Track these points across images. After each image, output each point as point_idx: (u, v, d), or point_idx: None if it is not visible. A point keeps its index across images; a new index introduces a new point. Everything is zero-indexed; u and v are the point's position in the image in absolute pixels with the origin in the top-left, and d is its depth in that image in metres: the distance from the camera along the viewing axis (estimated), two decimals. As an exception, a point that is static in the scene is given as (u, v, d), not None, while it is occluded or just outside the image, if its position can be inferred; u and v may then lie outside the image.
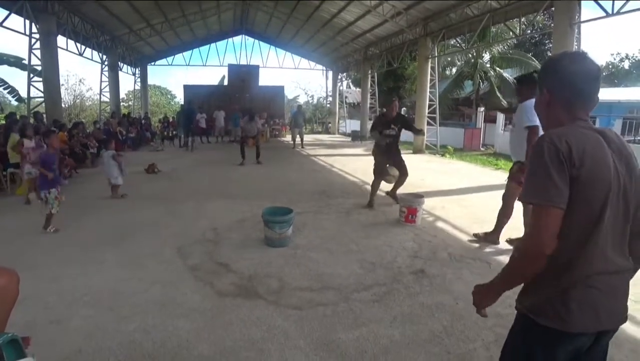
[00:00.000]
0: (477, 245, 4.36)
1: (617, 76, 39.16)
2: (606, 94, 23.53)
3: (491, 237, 4.35)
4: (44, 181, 4.79)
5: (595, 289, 1.18)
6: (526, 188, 1.21)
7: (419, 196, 5.26)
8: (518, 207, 3.96)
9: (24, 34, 11.16)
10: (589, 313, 1.18)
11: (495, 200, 5.07)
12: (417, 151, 14.08)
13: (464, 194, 6.98)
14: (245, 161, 10.24)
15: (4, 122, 8.48)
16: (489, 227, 4.42)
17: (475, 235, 4.53)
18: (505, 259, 3.93)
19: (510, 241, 4.25)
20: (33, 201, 5.94)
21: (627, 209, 1.22)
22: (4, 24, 10.29)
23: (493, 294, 1.35)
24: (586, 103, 1.26)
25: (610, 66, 41.17)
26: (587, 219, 1.16)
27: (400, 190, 5.97)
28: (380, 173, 5.87)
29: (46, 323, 2.68)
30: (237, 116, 16.85)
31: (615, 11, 7.59)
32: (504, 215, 4.23)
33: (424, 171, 9.58)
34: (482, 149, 16.08)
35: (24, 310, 2.64)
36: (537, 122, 2.93)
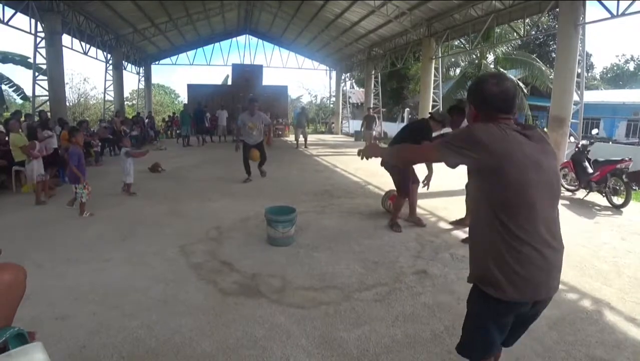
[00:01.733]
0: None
1: (621, 77, 38.95)
2: (611, 96, 23.48)
3: (465, 222, 4.76)
4: (72, 174, 5.42)
5: (531, 264, 1.45)
6: (445, 138, 1.60)
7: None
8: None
9: (30, 32, 11.26)
10: (525, 284, 1.46)
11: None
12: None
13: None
14: (251, 177, 8.07)
15: (10, 119, 8.50)
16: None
17: (451, 222, 5.10)
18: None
19: (452, 223, 5.00)
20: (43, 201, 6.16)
21: (552, 194, 1.52)
22: (10, 23, 10.39)
23: (377, 153, 1.94)
24: (505, 115, 1.56)
25: (615, 68, 40.98)
26: (517, 200, 1.44)
27: None
28: (407, 191, 5.05)
29: (51, 319, 2.71)
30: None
31: (620, 12, 7.57)
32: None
33: (426, 171, 9.56)
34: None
35: (29, 305, 2.67)
36: None
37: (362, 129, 15.68)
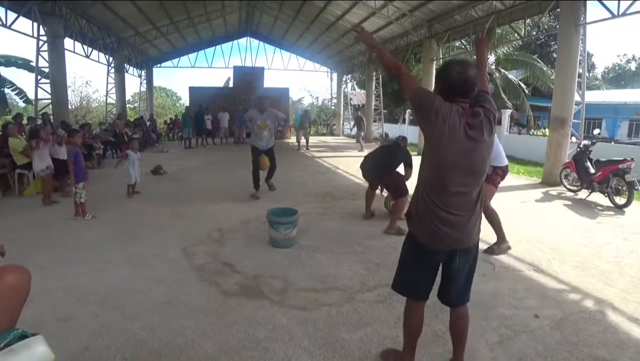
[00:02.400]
0: (482, 246, 4.33)
1: (623, 77, 38.88)
2: (612, 95, 23.44)
3: (502, 245, 4.18)
4: (78, 174, 5.50)
5: (441, 222, 1.87)
6: (422, 88, 1.93)
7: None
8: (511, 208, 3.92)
9: (32, 36, 11.32)
10: (443, 236, 1.89)
11: (499, 202, 5.07)
12: (421, 153, 14.08)
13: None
14: (259, 193, 6.68)
15: (10, 123, 8.55)
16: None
17: (488, 250, 4.16)
18: (507, 260, 3.93)
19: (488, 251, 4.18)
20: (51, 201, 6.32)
21: (473, 177, 1.85)
22: (13, 27, 10.44)
23: (371, 42, 2.15)
24: (463, 98, 1.85)
25: (616, 68, 40.89)
26: (439, 176, 1.84)
27: None
28: (405, 190, 5.04)
29: (53, 321, 2.72)
30: (242, 118, 17.01)
31: (620, 12, 7.56)
32: (492, 219, 4.14)
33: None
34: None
35: (32, 307, 2.67)
36: None
37: (354, 130, 17.33)
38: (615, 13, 7.66)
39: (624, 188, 6.16)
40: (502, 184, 4.53)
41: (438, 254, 1.97)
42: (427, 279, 2.04)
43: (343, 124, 25.14)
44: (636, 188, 6.01)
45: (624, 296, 3.21)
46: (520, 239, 4.57)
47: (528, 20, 10.38)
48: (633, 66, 39.81)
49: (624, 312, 2.95)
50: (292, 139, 18.11)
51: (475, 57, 2.32)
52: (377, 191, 5.59)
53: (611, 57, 39.75)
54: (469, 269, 2.03)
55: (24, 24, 11.30)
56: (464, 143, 1.77)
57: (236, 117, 17.06)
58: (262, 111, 6.57)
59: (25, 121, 10.24)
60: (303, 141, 15.33)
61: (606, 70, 41.46)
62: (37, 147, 6.56)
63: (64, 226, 5.05)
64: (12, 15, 10.42)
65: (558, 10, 8.96)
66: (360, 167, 5.61)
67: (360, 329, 2.67)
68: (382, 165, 5.20)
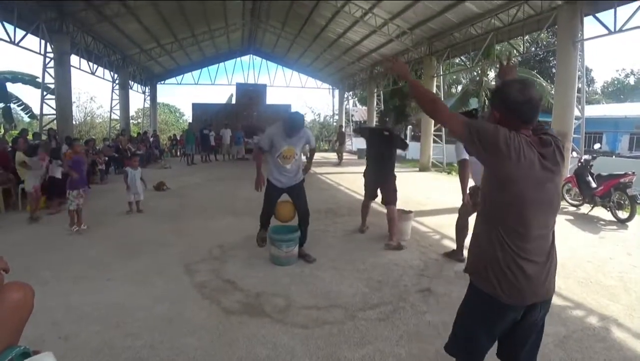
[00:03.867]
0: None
1: (622, 91, 39.13)
2: (612, 110, 23.53)
3: (455, 255, 4.46)
4: (70, 182, 5.54)
5: (521, 273, 1.55)
6: (474, 122, 1.59)
7: (407, 212, 5.36)
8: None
9: (39, 53, 11.52)
10: (515, 289, 1.56)
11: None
12: (423, 168, 14.11)
13: (470, 211, 6.91)
14: (265, 243, 4.46)
15: (19, 137, 8.63)
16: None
17: (444, 254, 4.61)
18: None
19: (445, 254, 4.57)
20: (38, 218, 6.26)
21: (551, 211, 1.60)
22: (20, 44, 10.64)
23: (405, 73, 1.94)
24: (527, 125, 1.58)
25: (615, 82, 41.18)
26: (515, 216, 1.54)
27: (400, 205, 5.39)
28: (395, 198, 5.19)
29: (55, 338, 2.71)
30: (240, 135, 17.25)
31: (617, 29, 7.67)
32: (463, 232, 4.39)
33: (430, 188, 9.58)
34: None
35: (33, 324, 2.66)
36: (466, 156, 3.94)
37: (336, 144, 18.48)
38: (612, 29, 7.77)
39: (626, 202, 6.15)
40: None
41: (515, 311, 1.62)
42: (492, 340, 1.72)
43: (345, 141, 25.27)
44: (638, 201, 6.00)
45: (628, 312, 3.19)
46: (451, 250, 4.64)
47: (527, 37, 10.55)
48: (632, 80, 40.10)
49: (629, 328, 2.92)
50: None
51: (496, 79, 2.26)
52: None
53: (610, 72, 40.17)
54: (542, 323, 1.73)
55: (32, 41, 11.50)
56: (541, 176, 1.52)
57: (235, 135, 17.28)
58: (290, 134, 4.08)
59: (30, 136, 10.35)
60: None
61: (605, 84, 41.77)
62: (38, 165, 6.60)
63: (66, 243, 5.06)
64: (20, 33, 10.65)
65: (556, 27, 9.10)
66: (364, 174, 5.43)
67: (362, 347, 2.65)
68: (383, 159, 5.08)
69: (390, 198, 5.01)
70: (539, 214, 1.55)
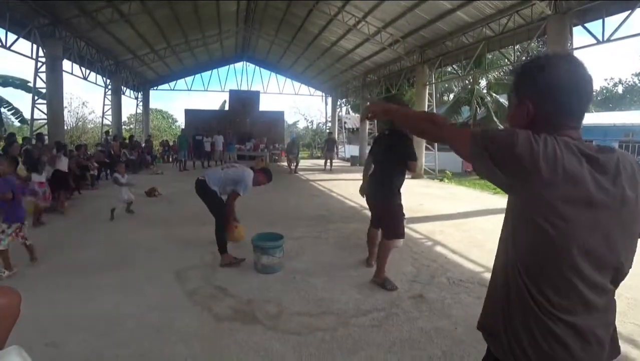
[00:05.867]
0: (477, 269, 4.35)
1: (611, 100, 39.86)
2: (601, 118, 23.92)
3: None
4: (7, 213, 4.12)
5: (564, 345, 0.99)
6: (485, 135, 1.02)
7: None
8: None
9: (31, 57, 11.44)
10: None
11: (494, 224, 5.10)
12: (415, 176, 14.17)
13: (462, 218, 6.98)
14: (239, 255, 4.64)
15: (11, 144, 8.50)
16: (488, 251, 4.42)
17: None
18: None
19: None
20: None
21: (613, 247, 0.98)
22: (12, 48, 10.57)
23: (385, 109, 1.43)
24: (574, 123, 1.04)
25: (604, 91, 41.95)
26: (561, 249, 0.95)
27: None
28: (402, 230, 3.92)
29: (42, 347, 2.65)
30: (232, 142, 17.43)
31: (605, 39, 7.84)
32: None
33: (422, 196, 9.62)
34: (480, 173, 16.18)
35: (20, 332, 2.60)
36: None
37: (325, 151, 18.20)
38: (600, 39, 7.93)
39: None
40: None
41: None
42: None
43: (338, 147, 25.37)
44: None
45: (620, 318, 3.18)
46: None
47: (517, 46, 10.70)
48: (620, 89, 40.89)
49: (621, 334, 2.90)
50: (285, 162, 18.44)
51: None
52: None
53: (599, 81, 40.81)
54: None
55: (24, 45, 11.47)
56: (596, 203, 0.93)
57: (227, 142, 17.39)
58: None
59: (19, 141, 10.22)
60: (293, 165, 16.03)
61: (594, 93, 42.44)
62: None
63: (55, 249, 4.97)
64: (12, 37, 10.61)
65: (546, 36, 9.26)
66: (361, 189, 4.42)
67: (355, 354, 2.63)
68: (382, 170, 3.95)
69: (388, 229, 3.85)
70: (587, 262, 0.96)
